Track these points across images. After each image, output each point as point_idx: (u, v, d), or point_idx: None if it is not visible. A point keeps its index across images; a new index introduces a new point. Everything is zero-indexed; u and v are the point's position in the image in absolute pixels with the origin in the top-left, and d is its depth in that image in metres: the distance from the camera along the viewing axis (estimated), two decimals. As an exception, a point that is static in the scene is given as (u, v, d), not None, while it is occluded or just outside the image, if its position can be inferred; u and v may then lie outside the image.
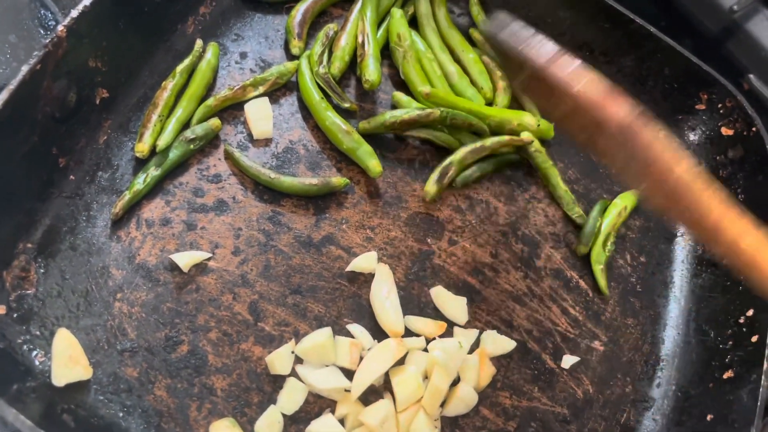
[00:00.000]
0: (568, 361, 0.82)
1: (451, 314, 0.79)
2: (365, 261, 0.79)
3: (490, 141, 0.88)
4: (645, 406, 0.82)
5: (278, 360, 0.72)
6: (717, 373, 0.80)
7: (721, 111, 0.94)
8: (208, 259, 0.76)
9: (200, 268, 0.76)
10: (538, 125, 0.92)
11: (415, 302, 0.80)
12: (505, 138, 0.89)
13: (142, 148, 0.78)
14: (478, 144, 0.88)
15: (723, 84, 0.93)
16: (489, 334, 0.79)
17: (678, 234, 0.94)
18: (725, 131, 0.94)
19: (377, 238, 0.82)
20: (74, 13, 0.73)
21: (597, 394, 0.81)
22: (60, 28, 0.71)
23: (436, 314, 0.79)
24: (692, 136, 0.98)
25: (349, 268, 0.79)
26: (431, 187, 0.84)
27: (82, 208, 0.75)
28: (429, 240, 0.84)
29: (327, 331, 0.74)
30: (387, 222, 0.83)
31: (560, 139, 0.95)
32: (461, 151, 0.87)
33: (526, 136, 0.90)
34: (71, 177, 0.76)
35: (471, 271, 0.83)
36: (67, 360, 0.67)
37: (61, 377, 0.66)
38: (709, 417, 0.77)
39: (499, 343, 0.79)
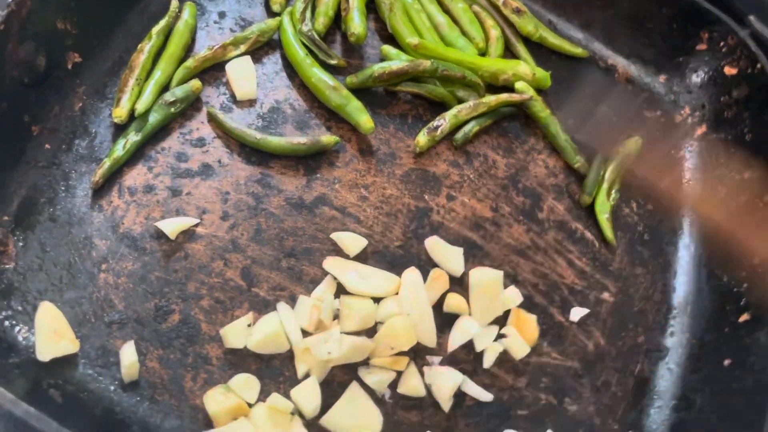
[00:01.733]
0: (577, 313, 0.78)
1: (447, 266, 0.75)
2: (351, 241, 0.74)
3: (487, 99, 0.85)
4: (659, 356, 0.79)
5: (232, 334, 0.68)
6: (732, 318, 0.77)
7: (723, 50, 0.90)
8: (196, 225, 0.73)
9: (188, 234, 0.72)
10: (534, 74, 0.88)
11: (414, 261, 0.76)
12: (503, 96, 0.85)
13: (120, 113, 0.74)
14: (474, 102, 0.84)
15: (724, 21, 0.89)
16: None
17: (684, 180, 0.91)
18: (728, 70, 0.90)
19: (372, 197, 0.78)
20: (37, -30, 0.69)
21: (608, 346, 0.78)
22: (22, -15, 0.67)
23: (433, 267, 0.76)
24: (695, 78, 0.94)
25: (333, 236, 0.75)
26: (422, 137, 0.81)
27: (60, 178, 0.72)
28: (426, 196, 0.80)
29: (274, 316, 0.70)
30: (381, 180, 0.80)
31: (557, 88, 0.92)
32: (456, 107, 0.84)
33: (522, 86, 0.86)
34: (46, 146, 0.72)
35: (471, 226, 0.80)
36: (51, 334, 0.63)
37: (46, 352, 0.63)
38: (726, 362, 0.74)
39: (507, 298, 0.76)
